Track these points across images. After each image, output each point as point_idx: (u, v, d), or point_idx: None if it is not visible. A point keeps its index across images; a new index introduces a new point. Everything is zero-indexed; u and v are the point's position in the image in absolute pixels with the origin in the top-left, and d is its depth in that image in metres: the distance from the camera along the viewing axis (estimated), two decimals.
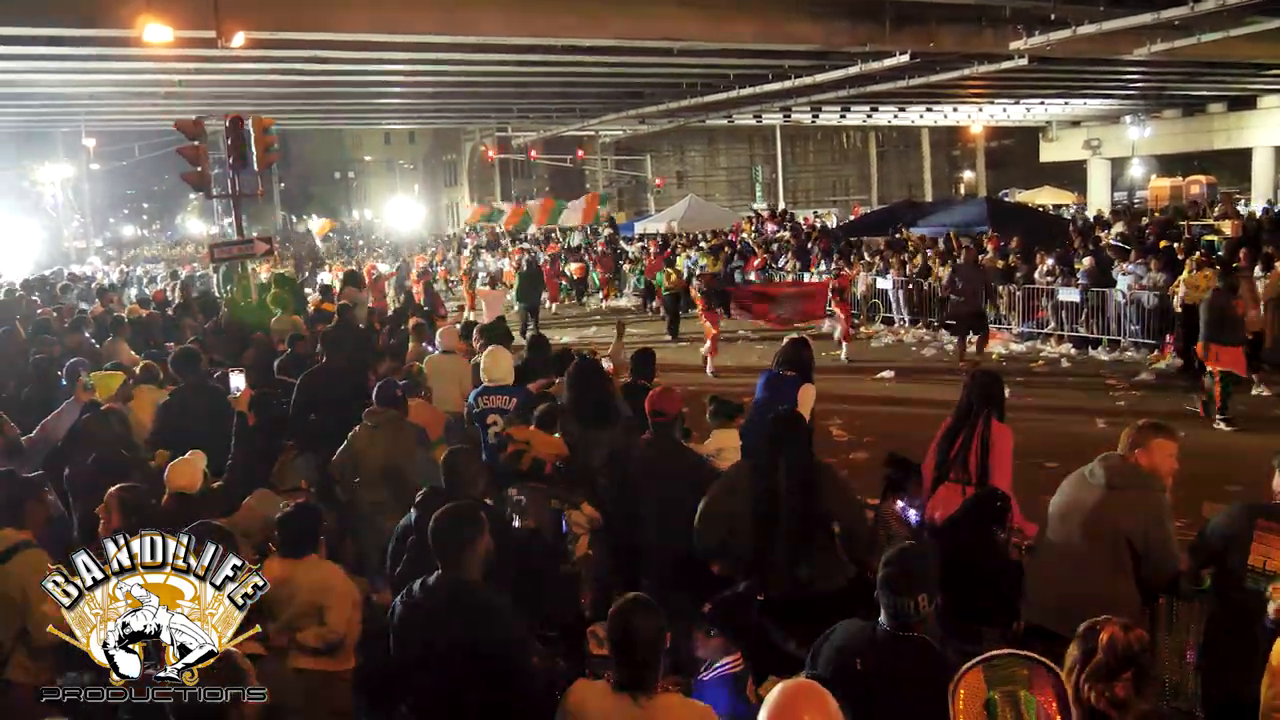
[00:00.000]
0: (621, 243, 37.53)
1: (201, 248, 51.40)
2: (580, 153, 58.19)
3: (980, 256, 20.20)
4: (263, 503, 5.99)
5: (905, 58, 26.57)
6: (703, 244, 31.19)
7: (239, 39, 17.81)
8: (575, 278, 32.30)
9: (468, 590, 4.19)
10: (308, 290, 21.11)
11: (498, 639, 4.13)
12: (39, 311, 14.98)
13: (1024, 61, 27.51)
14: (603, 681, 3.73)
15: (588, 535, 6.49)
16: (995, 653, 3.08)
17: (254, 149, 16.00)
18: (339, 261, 40.04)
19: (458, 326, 13.65)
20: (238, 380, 6.54)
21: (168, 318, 15.01)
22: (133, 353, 11.07)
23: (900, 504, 6.27)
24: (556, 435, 6.93)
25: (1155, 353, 17.31)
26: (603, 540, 6.50)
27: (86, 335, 12.71)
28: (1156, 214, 36.09)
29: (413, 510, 5.52)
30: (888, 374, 17.18)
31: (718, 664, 4.40)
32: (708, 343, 18.08)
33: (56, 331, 12.75)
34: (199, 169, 15.86)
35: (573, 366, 7.64)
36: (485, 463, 6.05)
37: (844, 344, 18.92)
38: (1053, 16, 23.43)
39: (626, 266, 32.43)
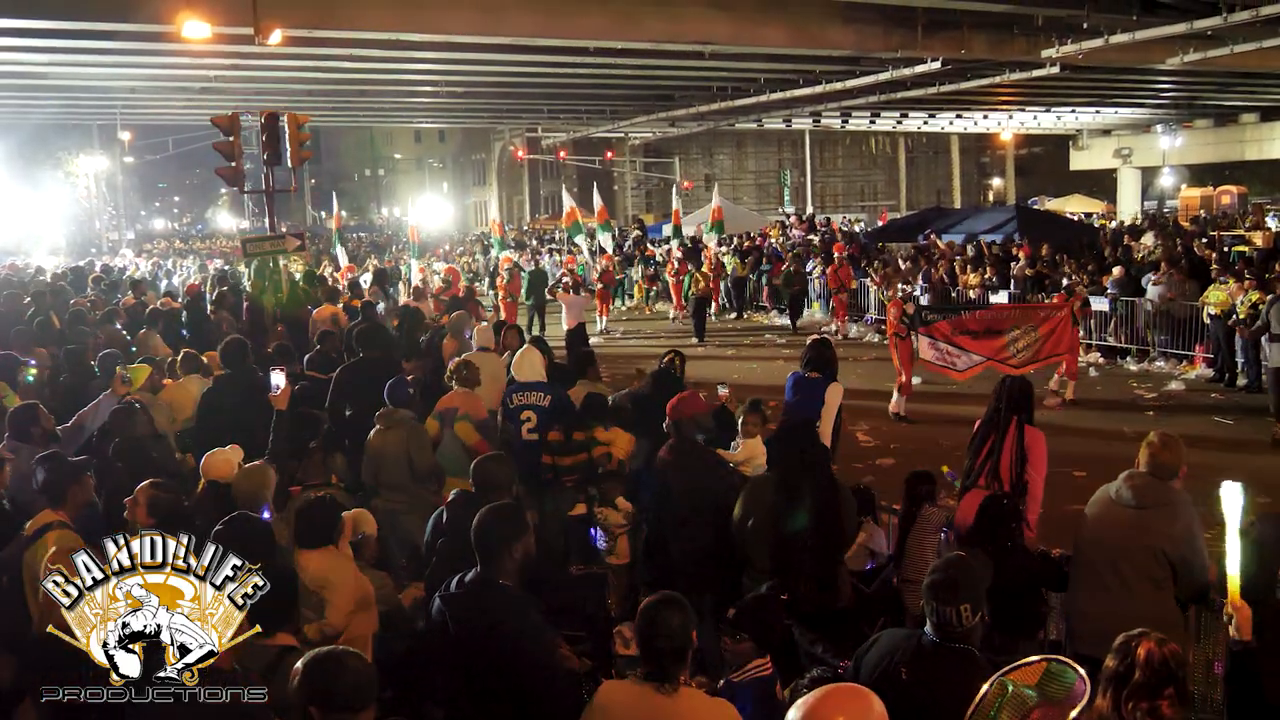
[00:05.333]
0: (649, 245, 37.44)
1: (232, 241, 51.88)
2: (609, 154, 58.30)
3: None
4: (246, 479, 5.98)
5: (937, 64, 26.44)
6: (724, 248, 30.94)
7: (276, 36, 17.93)
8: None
9: (500, 590, 4.22)
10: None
11: (526, 640, 4.17)
12: (73, 302, 15.16)
13: (1055, 69, 27.38)
14: (629, 680, 3.76)
15: (626, 536, 6.56)
16: (1065, 660, 3.09)
17: (288, 145, 16.11)
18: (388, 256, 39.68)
19: (491, 326, 13.76)
20: (278, 378, 6.59)
21: (197, 310, 15.17)
22: (164, 345, 11.21)
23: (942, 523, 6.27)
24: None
25: (1185, 363, 17.22)
26: (632, 541, 6.57)
27: (118, 326, 12.87)
28: (1188, 225, 35.79)
29: (443, 510, 5.58)
30: (914, 380, 17.10)
31: (747, 667, 4.43)
32: (899, 386, 14.59)
33: (90, 322, 12.92)
34: (233, 164, 15.99)
35: (653, 374, 8.46)
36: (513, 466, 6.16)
37: (1069, 381, 15.28)
38: (1085, 25, 23.29)
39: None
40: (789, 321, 24.63)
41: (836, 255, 24.88)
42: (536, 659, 4.17)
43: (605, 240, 29.45)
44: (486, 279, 28.45)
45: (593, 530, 6.66)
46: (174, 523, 5.03)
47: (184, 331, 13.65)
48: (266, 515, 5.56)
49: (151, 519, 5.28)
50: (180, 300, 17.28)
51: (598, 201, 30.03)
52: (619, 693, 3.74)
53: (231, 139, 15.86)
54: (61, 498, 5.51)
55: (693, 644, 3.69)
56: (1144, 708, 3.23)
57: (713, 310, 26.48)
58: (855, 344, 21.22)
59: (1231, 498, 3.84)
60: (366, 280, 22.10)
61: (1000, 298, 20.75)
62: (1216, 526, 4.42)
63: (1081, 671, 2.98)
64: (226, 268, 29.11)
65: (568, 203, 28.78)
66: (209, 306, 15.66)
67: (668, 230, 41.40)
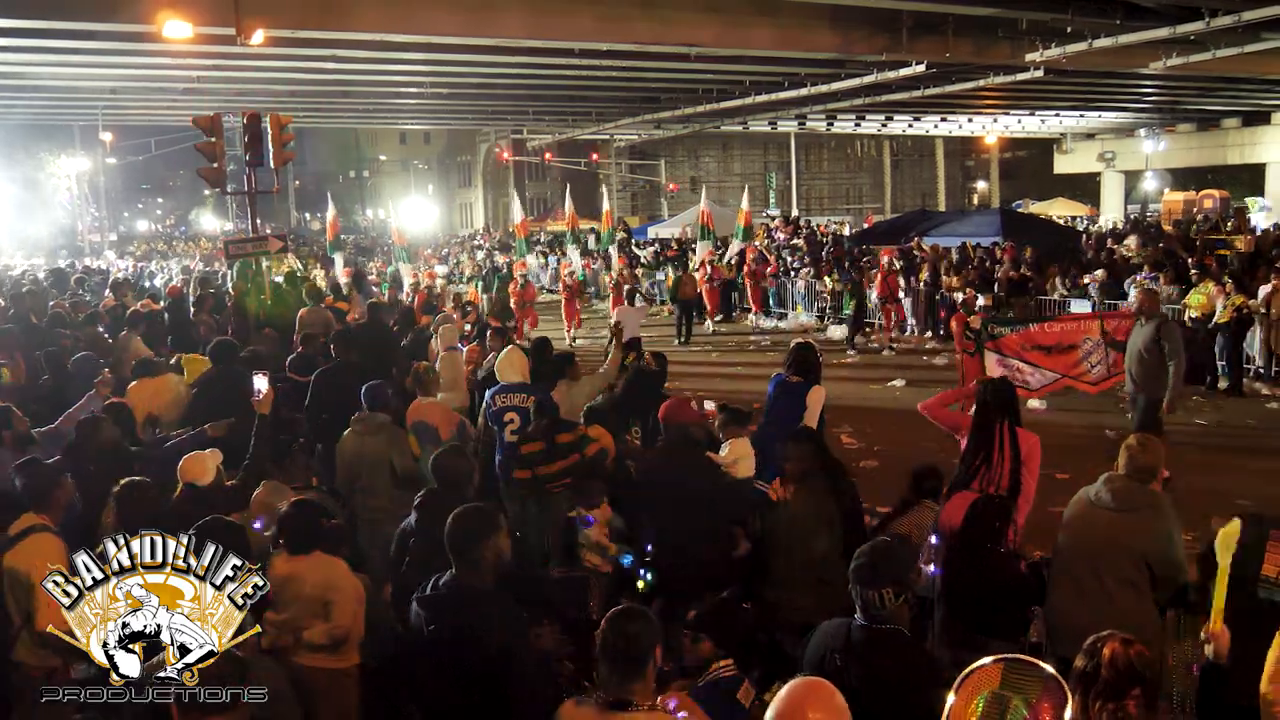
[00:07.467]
0: (634, 247, 37.47)
1: (214, 243, 51.67)
2: (594, 156, 58.33)
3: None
4: (273, 495, 6.00)
5: (921, 68, 26.55)
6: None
7: (258, 36, 17.86)
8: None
9: (476, 593, 4.20)
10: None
11: (503, 643, 4.14)
12: (52, 304, 15.03)
13: (1039, 73, 27.48)
14: (592, 703, 3.61)
15: (603, 537, 6.52)
16: (1021, 657, 3.07)
17: (270, 146, 16.03)
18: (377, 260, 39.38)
19: (468, 326, 13.73)
20: (260, 382, 6.54)
21: (179, 313, 15.06)
22: (145, 347, 11.12)
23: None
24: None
25: None
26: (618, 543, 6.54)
27: (99, 329, 12.77)
28: (1170, 229, 35.96)
29: (413, 512, 5.54)
30: (898, 382, 17.16)
31: (712, 669, 4.42)
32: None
33: (70, 324, 12.81)
34: (216, 165, 15.89)
35: (631, 373, 8.47)
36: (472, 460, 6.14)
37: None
38: (1069, 29, 23.39)
39: (639, 271, 32.15)
40: (848, 336, 21.35)
41: (886, 260, 22.43)
42: (513, 657, 4.14)
43: (613, 249, 29.41)
44: (479, 282, 28.23)
45: (589, 518, 6.56)
46: (145, 516, 5.00)
47: (169, 336, 13.55)
48: (258, 525, 5.52)
49: (121, 514, 5.24)
50: (162, 302, 17.14)
51: (605, 206, 29.92)
52: (573, 713, 3.62)
53: (214, 140, 15.76)
54: (45, 502, 5.47)
55: (649, 655, 3.53)
56: (1110, 708, 3.24)
57: (755, 310, 26.36)
58: (870, 353, 21.24)
59: (1228, 535, 3.85)
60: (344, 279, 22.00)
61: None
62: (1197, 530, 4.43)
63: (1049, 669, 2.96)
64: (209, 270, 28.93)
65: (569, 206, 28.76)
66: (191, 309, 15.55)
67: (653, 232, 41.51)
